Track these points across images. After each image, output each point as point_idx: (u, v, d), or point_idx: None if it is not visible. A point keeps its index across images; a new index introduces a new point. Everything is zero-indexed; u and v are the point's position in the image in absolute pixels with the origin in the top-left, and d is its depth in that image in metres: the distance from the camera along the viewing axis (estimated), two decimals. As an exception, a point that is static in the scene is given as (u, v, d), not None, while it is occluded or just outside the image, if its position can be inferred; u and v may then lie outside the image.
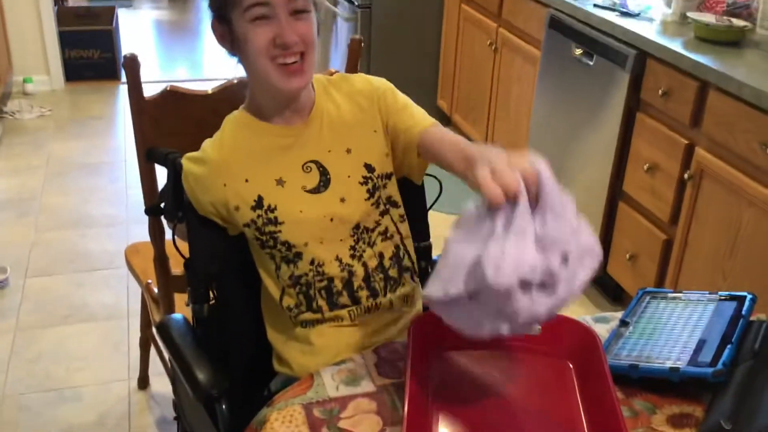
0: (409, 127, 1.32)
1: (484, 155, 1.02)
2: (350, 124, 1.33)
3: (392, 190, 1.36)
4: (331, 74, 1.42)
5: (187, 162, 1.33)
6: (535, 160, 0.99)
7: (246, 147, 1.31)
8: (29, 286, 2.80)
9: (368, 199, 1.33)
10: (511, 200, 0.95)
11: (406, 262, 1.39)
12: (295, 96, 1.29)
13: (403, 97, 1.36)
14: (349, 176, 1.32)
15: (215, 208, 1.32)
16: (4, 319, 2.61)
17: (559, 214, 0.97)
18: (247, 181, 1.30)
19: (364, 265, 1.34)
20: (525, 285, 0.93)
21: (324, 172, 1.31)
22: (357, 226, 1.32)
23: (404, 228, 1.39)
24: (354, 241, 1.33)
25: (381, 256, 1.36)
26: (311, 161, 1.31)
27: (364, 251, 1.34)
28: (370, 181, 1.33)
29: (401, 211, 1.39)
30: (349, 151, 1.32)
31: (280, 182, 1.30)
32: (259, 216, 1.29)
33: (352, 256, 1.33)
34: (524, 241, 0.94)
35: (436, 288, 0.99)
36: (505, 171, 0.95)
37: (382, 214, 1.35)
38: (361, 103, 1.34)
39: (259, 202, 1.29)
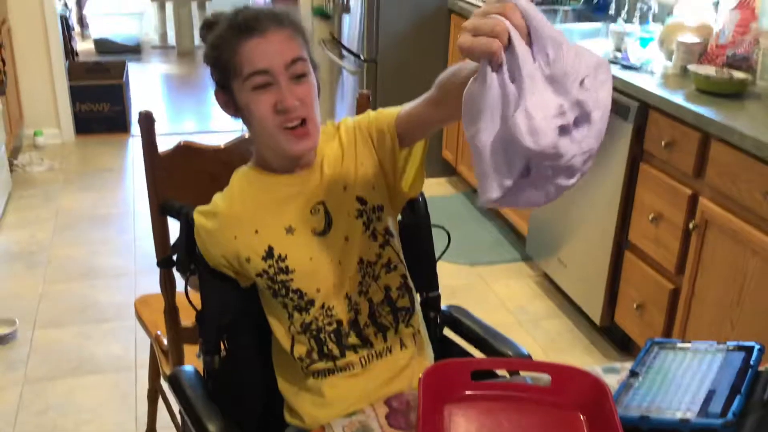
0: (387, 120, 1.30)
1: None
2: (344, 164, 1.35)
3: (387, 221, 1.37)
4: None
5: (198, 216, 1.36)
6: None
7: (255, 199, 1.34)
8: (37, 338, 2.81)
9: (365, 232, 1.35)
10: (505, 48, 0.87)
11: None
12: (304, 156, 1.33)
13: (374, 111, 1.36)
14: (348, 213, 1.34)
15: (227, 261, 1.34)
16: (12, 372, 2.61)
17: (557, 40, 0.90)
18: (257, 232, 1.32)
19: (369, 300, 1.35)
20: (564, 130, 0.89)
21: (327, 213, 1.33)
22: (360, 260, 1.34)
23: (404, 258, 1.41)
24: (361, 276, 1.34)
25: (387, 288, 1.37)
26: (318, 203, 1.33)
27: (369, 286, 1.35)
28: (364, 213, 1.34)
29: (398, 241, 1.41)
30: (345, 188, 1.34)
31: (289, 230, 1.32)
32: (270, 266, 1.31)
33: (359, 293, 1.35)
34: (539, 87, 0.89)
35: (491, 189, 0.93)
36: (483, 22, 0.86)
37: (383, 245, 1.36)
38: (348, 141, 1.36)
39: (269, 252, 1.31)
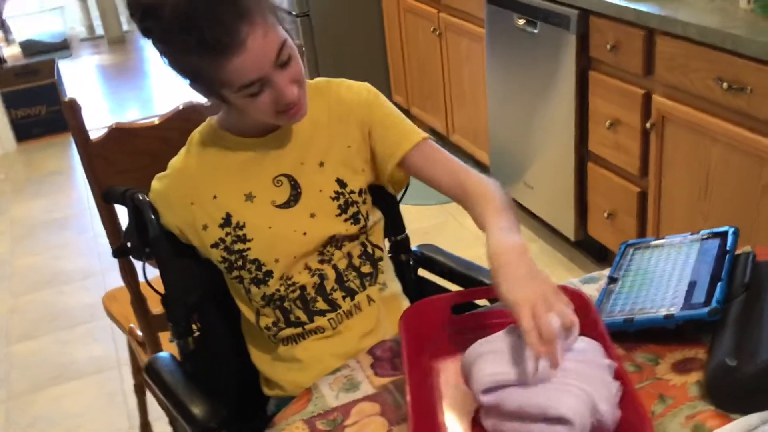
0: (394, 143, 1.28)
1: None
2: (326, 135, 1.28)
3: (369, 206, 1.33)
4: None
5: (153, 183, 1.30)
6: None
7: (214, 162, 1.27)
8: (14, 353, 2.74)
9: (339, 215, 1.28)
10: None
11: (378, 253, 1.36)
12: None
13: (389, 109, 1.31)
14: (320, 190, 1.28)
15: (182, 233, 1.29)
16: (-7, 391, 2.55)
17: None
18: (215, 197, 1.26)
19: (335, 267, 1.30)
20: None
21: (295, 186, 1.27)
22: (333, 237, 1.28)
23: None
24: (322, 247, 1.29)
25: (349, 255, 1.32)
26: (282, 175, 1.27)
27: (333, 254, 1.30)
28: (341, 196, 1.28)
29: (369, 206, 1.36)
30: (322, 164, 1.28)
31: (249, 197, 1.26)
32: (227, 234, 1.26)
33: (321, 261, 1.30)
34: None
35: None
36: (544, 320, 0.95)
37: (360, 225, 1.31)
38: (340, 113, 1.29)
39: (227, 220, 1.26)
